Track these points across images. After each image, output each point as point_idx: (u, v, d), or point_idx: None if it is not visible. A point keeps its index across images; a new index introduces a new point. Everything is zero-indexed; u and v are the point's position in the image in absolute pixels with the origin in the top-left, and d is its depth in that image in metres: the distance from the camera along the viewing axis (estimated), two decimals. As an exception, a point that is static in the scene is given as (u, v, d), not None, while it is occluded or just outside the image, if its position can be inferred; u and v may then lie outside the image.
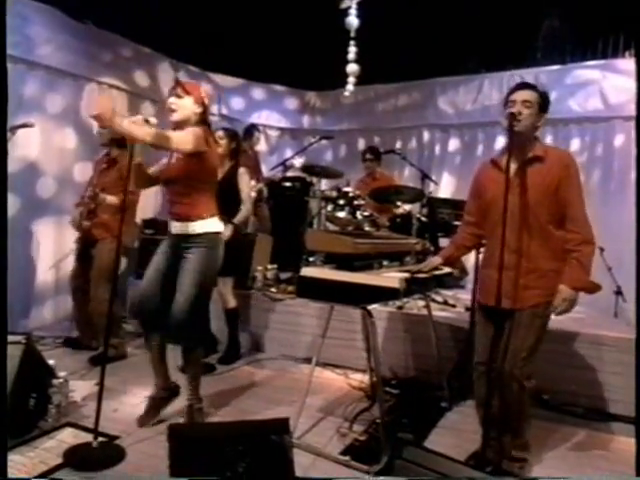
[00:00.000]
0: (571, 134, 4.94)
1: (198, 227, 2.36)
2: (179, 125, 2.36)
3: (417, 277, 2.34)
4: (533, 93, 2.08)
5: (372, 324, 2.28)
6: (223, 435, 1.55)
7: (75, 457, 2.10)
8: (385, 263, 2.65)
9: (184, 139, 2.24)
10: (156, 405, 2.53)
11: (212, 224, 2.40)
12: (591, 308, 3.64)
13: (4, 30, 1.61)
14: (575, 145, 4.91)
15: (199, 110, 2.39)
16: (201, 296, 2.37)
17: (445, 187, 5.46)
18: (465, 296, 3.83)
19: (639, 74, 2.64)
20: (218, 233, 2.43)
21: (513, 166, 2.08)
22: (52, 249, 4.22)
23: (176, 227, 2.40)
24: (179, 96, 2.35)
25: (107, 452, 2.15)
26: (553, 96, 4.77)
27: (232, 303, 3.53)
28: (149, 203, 4.79)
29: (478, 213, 2.28)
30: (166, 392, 2.55)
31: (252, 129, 5.17)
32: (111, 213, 3.36)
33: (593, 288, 2.15)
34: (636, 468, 1.62)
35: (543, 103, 2.09)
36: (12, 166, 3.83)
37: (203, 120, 2.41)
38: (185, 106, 2.35)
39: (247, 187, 3.51)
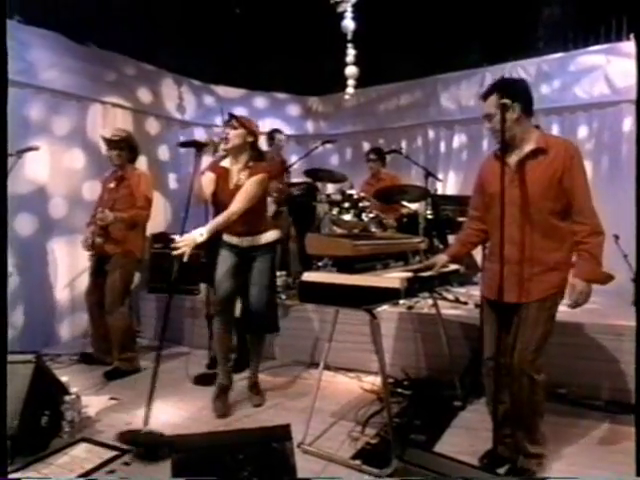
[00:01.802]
0: (578, 121, 4.85)
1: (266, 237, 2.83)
2: (232, 151, 2.73)
3: (420, 276, 2.32)
4: (493, 98, 2.01)
5: (376, 325, 2.25)
6: (224, 444, 1.55)
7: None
8: (392, 264, 2.63)
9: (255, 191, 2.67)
10: (224, 390, 2.85)
11: (273, 235, 2.88)
12: (609, 297, 3.54)
13: (4, 36, 1.64)
14: (583, 132, 4.83)
15: (250, 139, 2.76)
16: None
17: (452, 183, 5.42)
18: (477, 293, 3.76)
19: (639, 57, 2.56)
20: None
21: (515, 159, 2.06)
22: (66, 268, 4.30)
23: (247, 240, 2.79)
24: (234, 127, 2.71)
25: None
26: (558, 84, 4.83)
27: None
28: (159, 218, 4.84)
29: (483, 207, 2.24)
30: (229, 380, 2.90)
31: (273, 133, 4.82)
32: (123, 228, 3.42)
33: (606, 279, 2.11)
34: (636, 468, 1.56)
35: (508, 95, 1.96)
36: (24, 188, 3.94)
37: (254, 147, 2.79)
38: (239, 136, 2.71)
39: None
